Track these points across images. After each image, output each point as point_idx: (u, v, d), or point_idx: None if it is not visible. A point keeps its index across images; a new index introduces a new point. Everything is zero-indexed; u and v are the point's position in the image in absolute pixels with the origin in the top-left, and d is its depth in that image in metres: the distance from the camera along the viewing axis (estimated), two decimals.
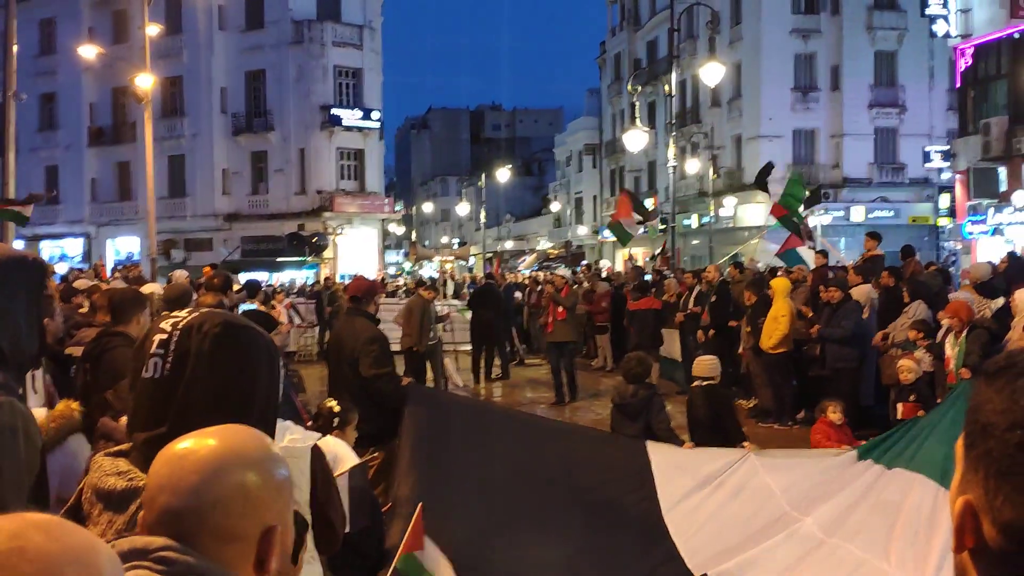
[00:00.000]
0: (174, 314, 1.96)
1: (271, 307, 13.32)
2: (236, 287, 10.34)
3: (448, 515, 4.97)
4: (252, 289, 10.88)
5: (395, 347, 15.85)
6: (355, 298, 6.88)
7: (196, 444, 1.42)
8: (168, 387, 1.84)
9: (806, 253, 15.86)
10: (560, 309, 15.56)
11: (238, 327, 1.94)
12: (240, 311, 7.97)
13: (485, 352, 18.39)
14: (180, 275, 14.24)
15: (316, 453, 2.93)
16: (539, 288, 22.63)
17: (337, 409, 5.24)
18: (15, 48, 22.73)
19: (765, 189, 17.77)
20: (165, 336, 1.88)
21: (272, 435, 2.01)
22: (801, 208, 16.45)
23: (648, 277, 20.05)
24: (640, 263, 30.66)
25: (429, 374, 14.99)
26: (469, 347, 18.36)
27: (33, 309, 2.72)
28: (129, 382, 1.96)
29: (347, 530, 4.73)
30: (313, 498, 2.88)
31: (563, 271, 18.21)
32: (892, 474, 5.33)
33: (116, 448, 1.92)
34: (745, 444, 6.59)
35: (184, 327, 1.88)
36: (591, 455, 5.98)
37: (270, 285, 24.46)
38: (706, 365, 8.24)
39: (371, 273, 37.95)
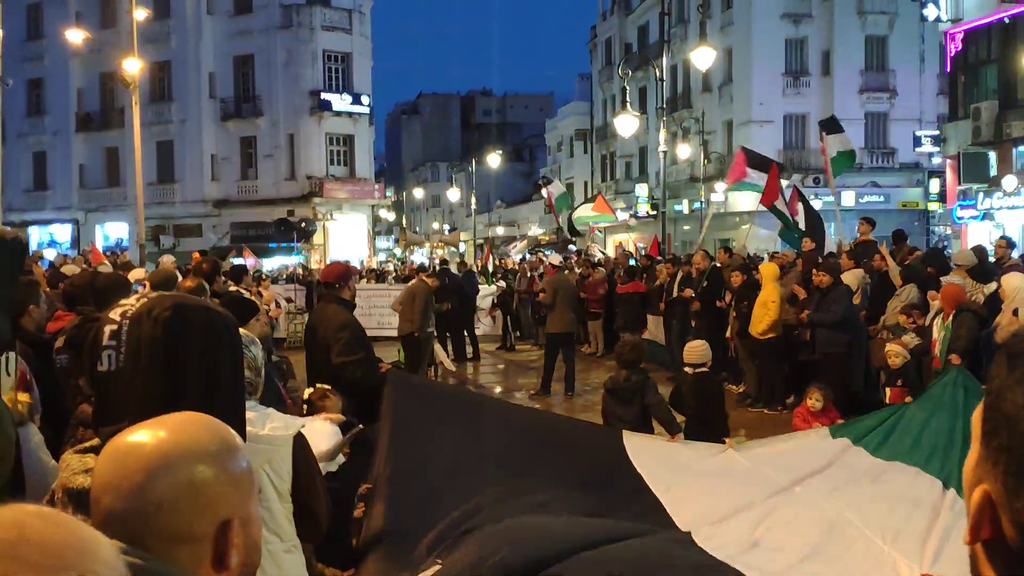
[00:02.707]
0: (122, 303, 1.89)
1: (258, 293, 13.25)
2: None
3: (429, 495, 4.95)
4: (237, 274, 10.80)
5: (391, 333, 16.09)
6: (329, 284, 6.83)
7: (142, 438, 1.34)
8: (125, 379, 1.77)
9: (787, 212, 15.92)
10: (540, 293, 15.88)
11: (191, 308, 1.87)
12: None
13: (450, 337, 18.66)
14: (167, 260, 14.16)
15: (299, 442, 2.87)
16: (529, 275, 22.66)
17: (305, 396, 5.22)
18: (1, 33, 22.55)
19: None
20: (115, 327, 1.81)
21: (241, 417, 1.95)
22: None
23: (633, 262, 20.12)
24: (631, 248, 30.61)
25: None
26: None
27: (6, 290, 2.63)
28: (86, 377, 1.89)
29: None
30: (295, 487, 2.83)
31: (544, 256, 18.20)
32: (886, 465, 5.31)
33: (85, 444, 1.86)
34: (726, 440, 6.56)
35: (133, 316, 1.81)
36: (570, 437, 5.99)
37: (259, 271, 24.38)
38: (696, 352, 8.17)
39: (359, 259, 37.89)
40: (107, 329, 1.82)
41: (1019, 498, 0.91)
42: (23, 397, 3.94)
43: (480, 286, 22.73)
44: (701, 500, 5.10)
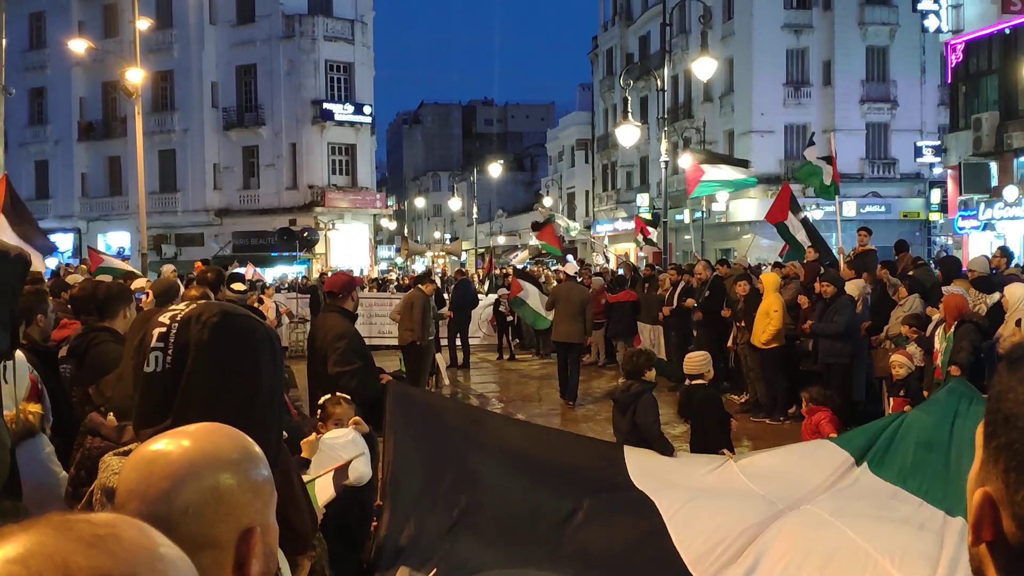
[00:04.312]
0: (172, 307, 1.96)
1: (260, 301, 13.27)
2: (239, 286, 10.29)
3: (433, 509, 4.96)
4: (232, 282, 10.79)
5: (392, 342, 16.09)
6: (332, 293, 6.84)
7: (167, 446, 1.36)
8: (170, 380, 1.83)
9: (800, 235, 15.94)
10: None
11: (237, 316, 1.94)
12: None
13: (460, 345, 18.99)
14: (167, 269, 14.18)
15: None
16: None
17: (321, 401, 5.24)
18: (4, 42, 22.63)
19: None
20: (164, 329, 1.87)
21: (279, 423, 2.02)
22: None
23: (621, 271, 20.32)
24: (633, 259, 30.66)
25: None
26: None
27: (6, 304, 2.63)
28: (132, 379, 1.95)
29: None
30: None
31: (546, 266, 18.32)
32: (891, 491, 5.27)
33: (125, 448, 1.90)
34: (724, 452, 6.54)
35: (183, 319, 1.87)
36: (572, 453, 5.98)
37: (260, 281, 24.38)
38: (692, 362, 8.14)
39: (360, 268, 37.93)
40: (156, 331, 1.87)
41: (1020, 491, 0.93)
42: (34, 408, 3.95)
43: (480, 296, 22.73)
44: (708, 533, 5.04)
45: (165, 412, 1.80)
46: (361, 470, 4.59)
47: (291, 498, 2.82)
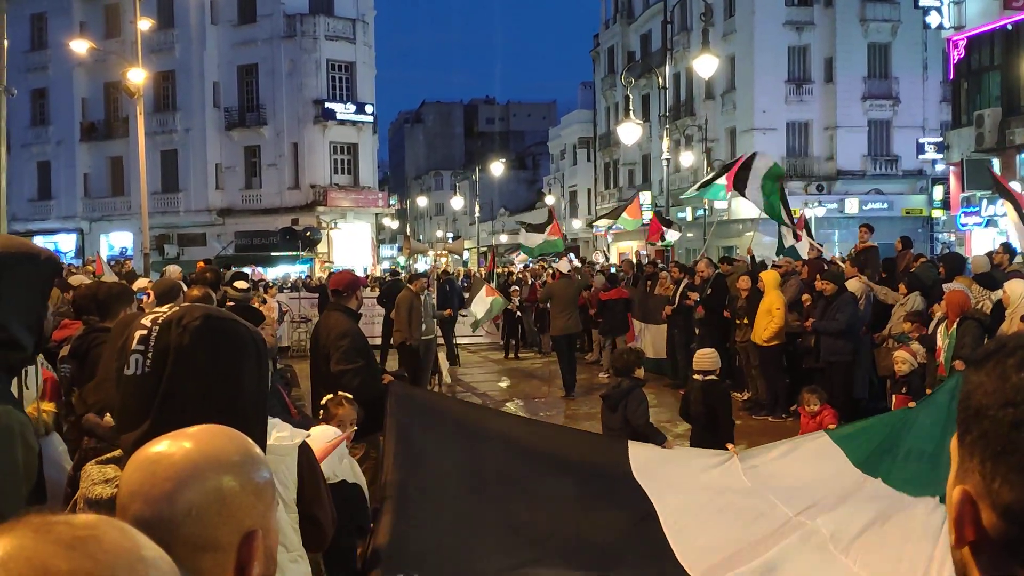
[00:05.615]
0: (155, 310, 1.95)
1: (263, 301, 13.27)
2: (243, 284, 10.29)
3: (433, 511, 4.95)
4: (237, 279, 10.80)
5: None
6: (336, 292, 6.86)
7: (170, 448, 1.35)
8: (150, 383, 1.82)
9: (800, 246, 15.92)
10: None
11: (219, 319, 1.92)
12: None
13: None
14: (173, 270, 14.16)
15: (304, 450, 2.87)
16: (531, 282, 22.69)
17: (323, 402, 5.25)
18: (6, 43, 22.59)
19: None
20: (145, 332, 1.86)
21: (264, 429, 1.99)
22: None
23: (614, 270, 20.39)
24: (632, 257, 30.60)
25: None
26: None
27: (35, 307, 2.62)
28: (113, 381, 1.93)
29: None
30: (300, 496, 2.83)
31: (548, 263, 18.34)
32: (894, 496, 5.21)
33: (107, 456, 1.89)
34: (729, 446, 6.55)
35: (164, 322, 1.86)
36: (575, 454, 5.96)
37: (263, 280, 24.40)
38: (707, 359, 8.20)
39: (363, 267, 37.94)
40: (137, 334, 1.86)
41: (996, 479, 0.94)
42: (48, 407, 3.97)
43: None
44: (708, 536, 5.03)
45: (145, 416, 1.79)
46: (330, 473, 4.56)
47: (318, 498, 2.86)
